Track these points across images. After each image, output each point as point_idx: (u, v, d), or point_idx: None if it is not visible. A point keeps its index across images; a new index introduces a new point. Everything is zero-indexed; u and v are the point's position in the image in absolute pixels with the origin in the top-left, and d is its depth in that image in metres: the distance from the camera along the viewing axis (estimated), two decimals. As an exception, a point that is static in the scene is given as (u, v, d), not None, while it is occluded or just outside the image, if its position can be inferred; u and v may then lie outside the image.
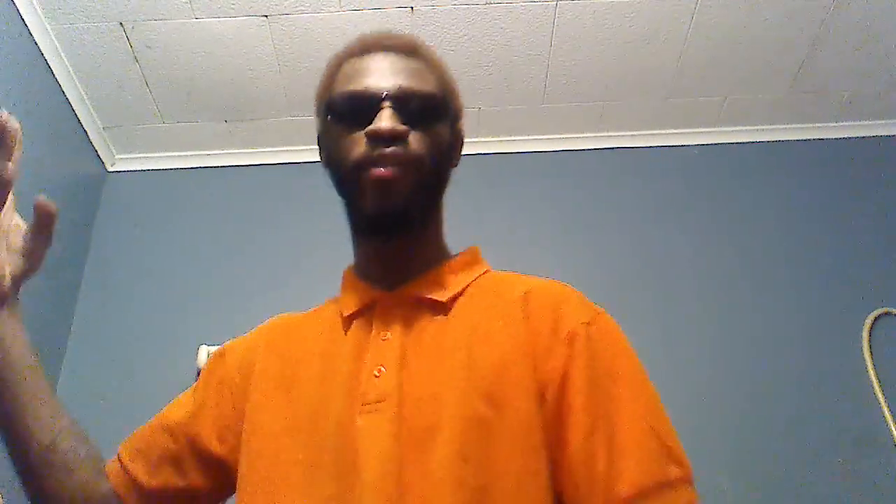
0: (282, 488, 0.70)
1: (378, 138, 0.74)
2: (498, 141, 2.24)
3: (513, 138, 2.24)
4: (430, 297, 0.78)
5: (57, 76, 1.94)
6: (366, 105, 0.76)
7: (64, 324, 1.95)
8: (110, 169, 2.23)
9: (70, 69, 1.97)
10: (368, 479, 0.66)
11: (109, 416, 1.85)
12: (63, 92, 1.97)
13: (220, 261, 2.06)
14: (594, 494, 0.65)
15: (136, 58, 1.96)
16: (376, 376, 0.72)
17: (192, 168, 2.23)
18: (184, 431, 0.83)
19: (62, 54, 1.94)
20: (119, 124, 2.15)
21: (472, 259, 0.86)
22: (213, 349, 1.87)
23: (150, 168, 2.23)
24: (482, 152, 2.22)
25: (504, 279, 0.83)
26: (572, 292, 0.79)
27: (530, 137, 2.24)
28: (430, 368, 0.72)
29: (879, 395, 1.81)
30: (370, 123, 0.74)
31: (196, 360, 1.85)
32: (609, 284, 1.99)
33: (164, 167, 2.23)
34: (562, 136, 2.24)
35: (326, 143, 0.83)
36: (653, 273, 2.02)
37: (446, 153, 0.82)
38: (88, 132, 2.10)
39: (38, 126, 1.87)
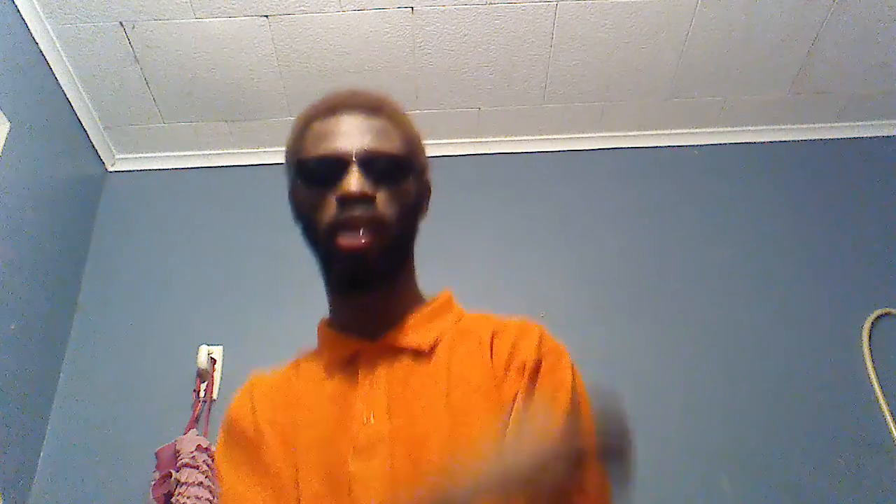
0: None
1: (346, 201, 0.76)
2: (498, 141, 2.24)
3: (513, 138, 2.24)
4: (411, 346, 0.81)
5: (57, 76, 1.94)
6: (334, 167, 0.78)
7: (64, 323, 1.95)
8: (110, 169, 2.23)
9: (70, 69, 1.97)
10: None
11: (109, 416, 1.85)
12: (63, 92, 1.97)
13: (220, 261, 2.06)
14: None
15: (136, 58, 1.96)
16: (366, 423, 0.75)
17: (192, 168, 2.23)
18: None
19: (62, 54, 1.94)
20: (119, 124, 2.15)
21: (447, 304, 0.89)
22: (213, 349, 1.88)
23: (151, 168, 2.23)
24: (482, 152, 2.22)
25: (477, 322, 0.86)
26: (535, 328, 0.83)
27: (530, 138, 2.24)
28: (416, 414, 0.76)
29: (879, 396, 1.81)
30: (339, 184, 0.77)
31: (196, 359, 1.85)
32: (608, 285, 2.00)
33: (165, 167, 2.23)
34: (562, 136, 2.24)
35: (297, 203, 0.85)
36: (652, 273, 2.02)
37: (413, 208, 0.84)
38: (89, 132, 2.10)
39: (38, 126, 1.87)
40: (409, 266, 0.89)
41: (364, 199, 0.76)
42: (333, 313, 0.89)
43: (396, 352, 0.81)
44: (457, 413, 0.74)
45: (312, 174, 0.81)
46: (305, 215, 0.82)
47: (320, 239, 0.80)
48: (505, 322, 0.84)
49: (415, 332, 0.83)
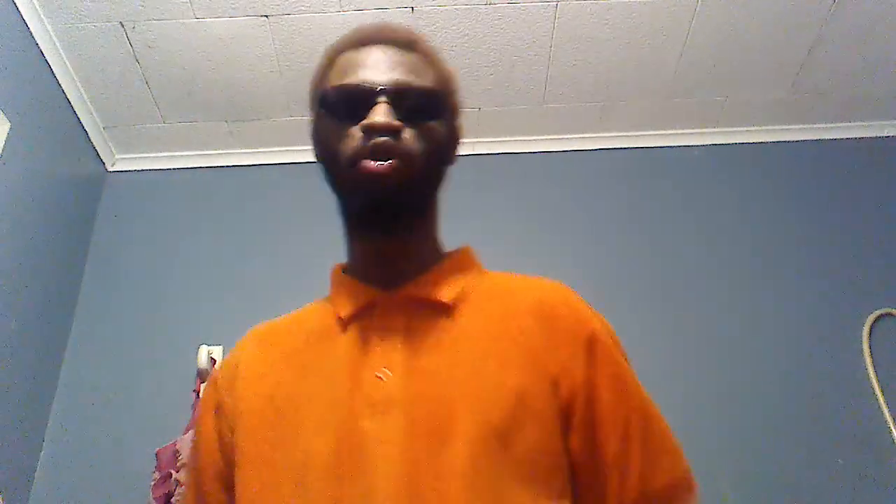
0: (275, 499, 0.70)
1: (372, 132, 0.72)
2: (498, 141, 2.24)
3: (513, 138, 2.24)
4: (432, 298, 0.77)
5: (57, 76, 1.94)
6: (361, 99, 0.74)
7: (64, 323, 1.95)
8: (110, 169, 2.23)
9: (70, 69, 1.97)
10: (381, 482, 0.65)
11: (109, 416, 1.85)
12: (63, 92, 1.97)
13: (220, 261, 2.06)
14: (630, 489, 0.73)
15: (136, 58, 1.96)
16: (381, 379, 0.71)
17: (192, 168, 2.23)
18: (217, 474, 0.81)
19: (63, 54, 1.94)
20: (119, 124, 2.15)
21: (468, 259, 0.86)
22: (214, 349, 1.88)
23: (151, 168, 2.23)
24: (482, 152, 2.22)
25: (508, 283, 0.83)
26: (579, 298, 0.82)
27: (531, 138, 2.24)
28: (438, 372, 0.72)
29: (879, 396, 1.81)
30: (365, 118, 0.73)
31: (196, 360, 1.85)
32: (610, 285, 1.99)
33: (165, 167, 2.23)
34: (562, 136, 2.24)
35: (319, 136, 0.81)
36: (653, 273, 2.02)
37: (441, 150, 0.80)
38: (89, 132, 2.10)
39: (38, 126, 1.87)
40: (431, 216, 0.84)
41: (390, 131, 0.72)
42: (350, 258, 0.84)
43: (416, 304, 0.77)
44: (484, 374, 0.71)
45: (337, 106, 0.77)
46: (328, 150, 0.77)
47: (341, 170, 0.75)
48: (545, 288, 0.82)
49: (436, 284, 0.78)
